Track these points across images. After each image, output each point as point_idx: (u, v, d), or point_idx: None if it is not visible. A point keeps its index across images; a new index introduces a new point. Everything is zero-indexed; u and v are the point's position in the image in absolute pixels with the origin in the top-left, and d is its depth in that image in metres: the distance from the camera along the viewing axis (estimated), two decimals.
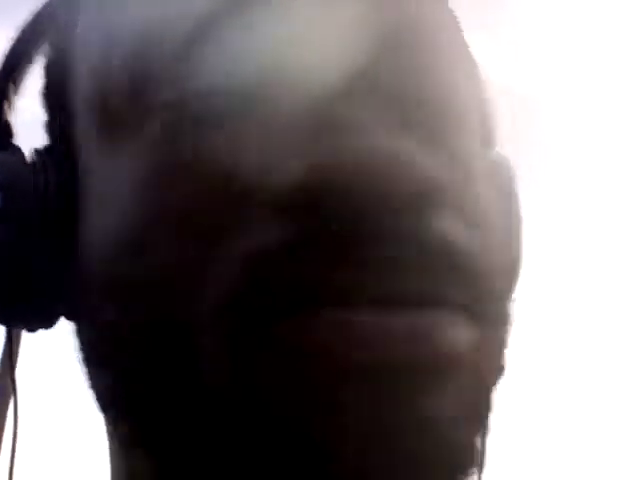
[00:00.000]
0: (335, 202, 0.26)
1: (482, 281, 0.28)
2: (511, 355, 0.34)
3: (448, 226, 0.28)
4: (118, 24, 0.32)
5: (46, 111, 0.36)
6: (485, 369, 0.29)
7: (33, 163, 0.33)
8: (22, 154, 0.34)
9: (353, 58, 0.29)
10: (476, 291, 0.28)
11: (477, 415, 0.29)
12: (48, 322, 0.34)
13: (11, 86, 0.36)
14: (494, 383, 0.30)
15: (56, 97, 0.35)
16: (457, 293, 0.27)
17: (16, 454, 0.37)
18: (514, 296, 0.34)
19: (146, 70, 0.29)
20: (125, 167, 0.30)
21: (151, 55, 0.29)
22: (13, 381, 0.37)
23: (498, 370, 0.31)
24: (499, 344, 0.31)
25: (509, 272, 0.35)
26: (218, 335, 0.27)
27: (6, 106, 0.36)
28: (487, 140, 0.37)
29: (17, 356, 0.38)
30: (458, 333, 0.27)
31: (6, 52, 0.36)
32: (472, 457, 0.29)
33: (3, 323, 0.35)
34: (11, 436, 0.37)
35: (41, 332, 0.35)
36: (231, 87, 0.28)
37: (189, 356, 0.27)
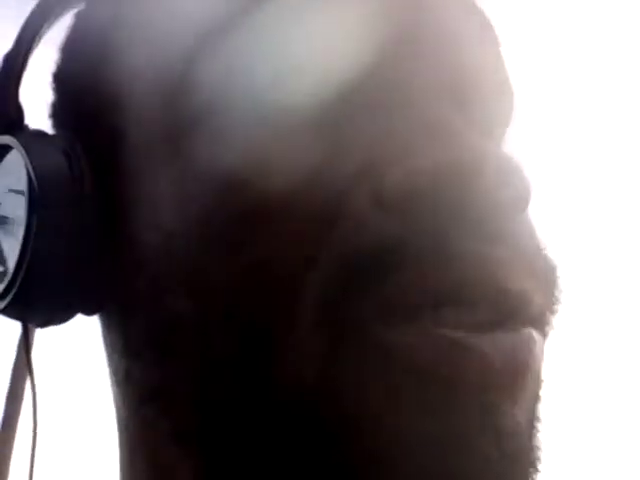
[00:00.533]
0: (436, 204, 0.26)
1: (554, 293, 0.29)
2: None
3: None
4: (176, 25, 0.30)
5: (60, 94, 0.35)
6: (540, 384, 0.29)
7: (66, 152, 0.31)
8: (52, 142, 0.32)
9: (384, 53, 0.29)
10: (555, 302, 0.29)
11: (536, 425, 0.29)
12: (64, 319, 0.33)
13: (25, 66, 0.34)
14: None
15: (81, 85, 0.34)
16: (542, 304, 0.28)
17: (36, 450, 0.37)
18: None
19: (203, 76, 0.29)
20: (211, 162, 0.29)
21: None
22: (31, 375, 0.36)
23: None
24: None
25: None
26: (315, 334, 0.26)
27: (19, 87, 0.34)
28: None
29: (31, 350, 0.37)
30: (537, 348, 0.28)
31: (21, 30, 0.35)
32: (534, 466, 0.29)
33: (19, 319, 0.34)
34: (31, 433, 0.37)
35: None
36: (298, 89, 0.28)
37: (274, 352, 0.27)
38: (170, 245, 0.29)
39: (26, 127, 0.34)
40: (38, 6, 0.35)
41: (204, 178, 0.29)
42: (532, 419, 0.28)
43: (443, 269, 0.26)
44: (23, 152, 0.31)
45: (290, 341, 0.27)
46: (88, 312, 0.34)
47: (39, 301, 0.31)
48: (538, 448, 0.29)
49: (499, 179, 0.26)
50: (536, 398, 0.29)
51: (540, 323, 0.29)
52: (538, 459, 0.28)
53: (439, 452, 0.26)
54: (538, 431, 0.29)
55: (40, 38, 0.35)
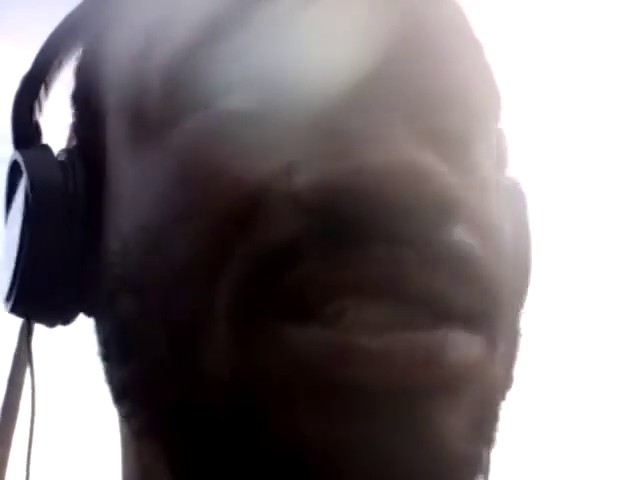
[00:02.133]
0: (349, 204, 0.26)
1: (494, 292, 0.29)
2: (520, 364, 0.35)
3: (462, 237, 0.28)
4: (151, 27, 0.32)
5: (75, 112, 0.37)
6: (492, 383, 0.29)
7: (62, 162, 0.34)
8: (51, 152, 0.35)
9: (367, 64, 0.29)
10: (487, 302, 0.29)
11: (484, 429, 0.29)
12: (68, 318, 0.35)
13: (42, 87, 0.37)
14: (502, 396, 0.31)
15: (85, 99, 0.36)
16: (467, 302, 0.28)
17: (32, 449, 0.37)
18: (523, 312, 0.34)
19: (182, 72, 0.30)
20: (153, 165, 0.31)
21: (187, 64, 0.30)
22: (32, 375, 0.37)
23: (507, 383, 0.31)
24: (509, 358, 0.31)
25: (519, 288, 0.35)
26: (228, 330, 0.27)
27: (36, 106, 0.37)
28: (500, 162, 0.37)
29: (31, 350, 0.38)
30: (463, 349, 0.27)
31: (37, 54, 0.37)
32: (474, 470, 0.29)
33: (24, 316, 0.35)
34: (27, 431, 0.37)
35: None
36: (256, 91, 0.29)
37: (198, 350, 0.28)
38: (124, 248, 0.31)
39: (40, 143, 0.36)
40: (55, 30, 0.38)
41: (148, 183, 0.31)
42: (477, 424, 0.28)
43: (342, 267, 0.26)
44: (23, 166, 0.34)
45: (209, 338, 0.28)
46: (86, 313, 0.35)
47: (36, 302, 0.33)
48: (482, 454, 0.29)
49: (408, 184, 0.26)
50: (484, 401, 0.28)
51: (468, 323, 0.28)
52: (480, 464, 0.29)
53: (336, 454, 0.26)
54: (487, 435, 0.29)
55: (60, 61, 0.37)
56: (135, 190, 0.31)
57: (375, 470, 0.26)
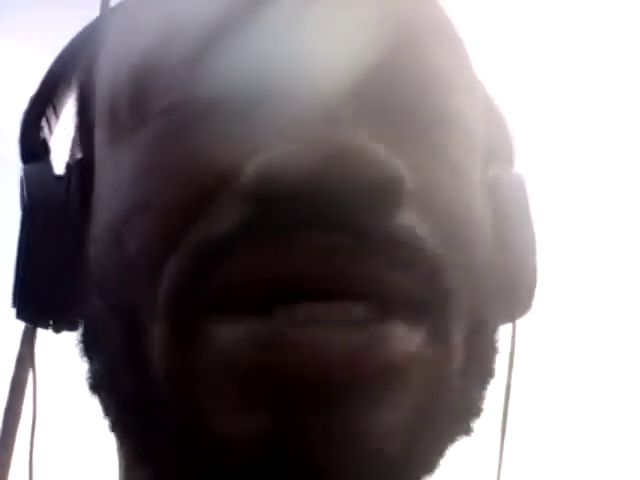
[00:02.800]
0: (281, 190, 0.26)
1: (440, 278, 0.28)
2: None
3: (404, 220, 0.28)
4: (129, 37, 0.34)
5: (75, 128, 0.39)
6: (440, 372, 0.28)
7: (58, 177, 0.35)
8: (51, 168, 0.36)
9: (346, 69, 0.29)
10: (431, 288, 0.28)
11: (432, 419, 0.28)
12: (70, 324, 0.35)
13: (49, 106, 0.38)
14: (465, 385, 0.30)
15: (83, 114, 0.38)
16: (407, 290, 0.27)
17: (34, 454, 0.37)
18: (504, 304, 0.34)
19: (148, 79, 0.31)
20: (118, 170, 0.32)
21: (156, 65, 0.31)
22: (34, 382, 0.38)
23: (473, 372, 0.30)
24: (474, 346, 0.30)
25: (493, 277, 0.33)
26: (165, 328, 0.28)
27: (44, 124, 0.38)
28: (494, 158, 0.37)
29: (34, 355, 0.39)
30: (399, 341, 0.27)
31: (45, 73, 0.39)
32: (418, 465, 0.29)
33: (29, 322, 0.36)
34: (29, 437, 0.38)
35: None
36: (214, 92, 0.30)
37: (144, 347, 0.28)
38: (95, 249, 0.32)
39: (45, 159, 0.37)
40: (63, 50, 0.39)
41: (116, 184, 0.32)
42: (423, 414, 0.27)
43: (274, 259, 0.26)
44: (24, 181, 0.35)
45: (152, 336, 0.28)
46: (70, 326, 0.35)
47: (35, 308, 0.35)
48: (428, 446, 0.28)
49: (342, 168, 0.26)
50: (430, 391, 0.28)
51: (407, 313, 0.27)
52: (425, 458, 0.28)
53: (269, 450, 0.26)
54: (438, 425, 0.28)
55: (68, 81, 0.39)
56: (107, 192, 0.33)
57: (305, 468, 0.26)
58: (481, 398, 0.31)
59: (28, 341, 0.37)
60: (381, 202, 0.27)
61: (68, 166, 0.36)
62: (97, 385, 0.32)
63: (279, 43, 0.30)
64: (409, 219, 0.28)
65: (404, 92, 0.31)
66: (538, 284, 0.36)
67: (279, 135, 0.27)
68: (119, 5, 0.38)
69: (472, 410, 0.31)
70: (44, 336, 0.37)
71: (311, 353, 0.26)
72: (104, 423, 0.32)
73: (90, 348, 0.32)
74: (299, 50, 0.30)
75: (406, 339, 0.27)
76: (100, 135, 0.35)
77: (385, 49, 0.30)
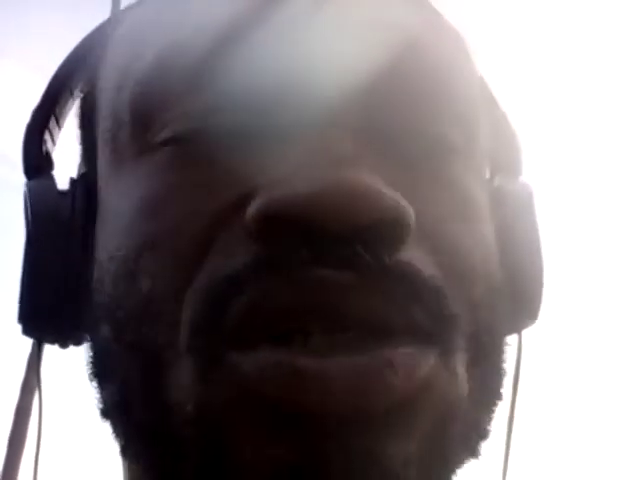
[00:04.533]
0: (291, 230, 0.27)
1: (441, 308, 0.29)
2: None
3: (406, 255, 0.28)
4: (133, 51, 0.34)
5: (80, 142, 0.39)
6: (452, 394, 0.29)
7: (62, 192, 0.35)
8: (54, 183, 0.36)
9: (350, 86, 0.30)
10: (434, 318, 0.28)
11: (443, 443, 0.29)
12: (75, 339, 0.36)
13: (51, 119, 0.38)
14: (475, 409, 0.30)
15: (86, 129, 0.38)
16: (409, 320, 0.28)
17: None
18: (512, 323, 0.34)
19: (152, 100, 0.32)
20: (123, 198, 0.32)
21: (160, 85, 0.32)
22: (40, 393, 0.39)
23: (481, 396, 0.31)
24: (481, 371, 0.31)
25: (500, 298, 0.33)
26: (189, 364, 0.28)
27: (47, 137, 0.38)
28: (500, 168, 0.38)
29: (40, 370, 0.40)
30: (411, 362, 0.27)
31: (47, 86, 0.39)
32: None
33: (34, 337, 0.36)
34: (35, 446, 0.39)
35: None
36: (219, 124, 0.30)
37: (166, 382, 0.29)
38: (100, 277, 0.32)
39: (47, 173, 0.37)
40: (64, 62, 0.39)
41: (117, 212, 0.32)
42: (436, 439, 0.28)
43: (280, 296, 0.27)
44: (27, 196, 0.35)
45: (175, 372, 0.29)
46: (75, 340, 0.36)
47: (38, 324, 0.35)
48: (443, 474, 0.29)
49: (343, 207, 0.26)
50: (442, 414, 0.28)
51: (416, 337, 0.28)
52: None
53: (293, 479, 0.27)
54: (447, 455, 0.29)
55: (71, 93, 0.39)
56: (110, 218, 0.33)
57: None
58: (489, 421, 0.32)
59: (34, 357, 0.38)
60: (386, 240, 0.27)
61: (72, 181, 0.36)
62: (108, 412, 0.32)
63: (286, 57, 0.30)
64: (413, 254, 0.29)
65: (406, 118, 0.31)
66: (545, 294, 0.36)
67: (283, 171, 0.28)
68: (124, 15, 0.38)
69: (480, 433, 0.31)
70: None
71: (332, 384, 0.26)
72: (103, 425, 0.32)
73: (101, 375, 0.32)
74: (307, 64, 0.30)
75: (418, 366, 0.28)
76: (103, 154, 0.35)
77: (390, 58, 0.31)
